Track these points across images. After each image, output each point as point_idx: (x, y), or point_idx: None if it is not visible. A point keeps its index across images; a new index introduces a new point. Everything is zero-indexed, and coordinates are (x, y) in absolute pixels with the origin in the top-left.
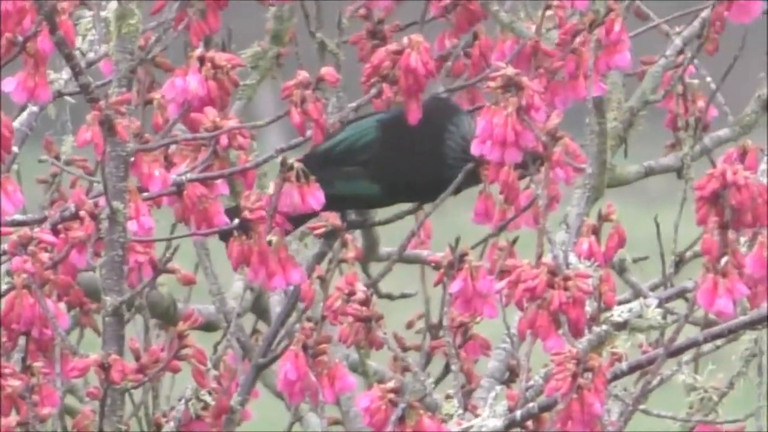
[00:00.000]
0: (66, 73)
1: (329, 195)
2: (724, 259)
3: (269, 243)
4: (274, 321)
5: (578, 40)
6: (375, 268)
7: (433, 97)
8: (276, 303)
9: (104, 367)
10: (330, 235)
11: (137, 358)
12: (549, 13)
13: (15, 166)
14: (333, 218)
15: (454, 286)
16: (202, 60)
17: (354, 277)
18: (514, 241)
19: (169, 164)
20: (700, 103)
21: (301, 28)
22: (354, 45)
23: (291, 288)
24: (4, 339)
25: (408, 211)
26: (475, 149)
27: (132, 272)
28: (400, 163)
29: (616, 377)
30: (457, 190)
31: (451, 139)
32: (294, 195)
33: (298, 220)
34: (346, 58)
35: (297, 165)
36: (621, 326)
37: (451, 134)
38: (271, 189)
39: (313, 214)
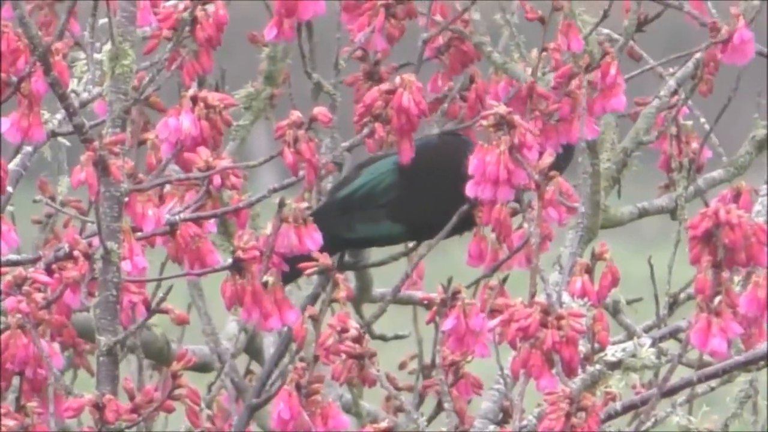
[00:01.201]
0: (60, 114)
1: (351, 239)
2: (717, 299)
3: (265, 284)
4: (268, 361)
5: (574, 83)
6: (368, 309)
7: (446, 133)
8: (270, 344)
9: (98, 407)
10: (323, 275)
11: (131, 398)
12: (544, 54)
13: (10, 207)
14: (324, 258)
15: (447, 324)
16: (195, 100)
17: (346, 317)
18: (504, 279)
19: (162, 203)
20: (694, 144)
21: (294, 68)
22: (350, 86)
23: (284, 329)
24: None
25: (402, 253)
26: (470, 191)
27: (125, 312)
28: (422, 203)
29: (609, 417)
30: (454, 233)
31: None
32: (291, 236)
33: (295, 261)
34: (342, 99)
35: (294, 206)
36: (615, 366)
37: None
38: (268, 229)
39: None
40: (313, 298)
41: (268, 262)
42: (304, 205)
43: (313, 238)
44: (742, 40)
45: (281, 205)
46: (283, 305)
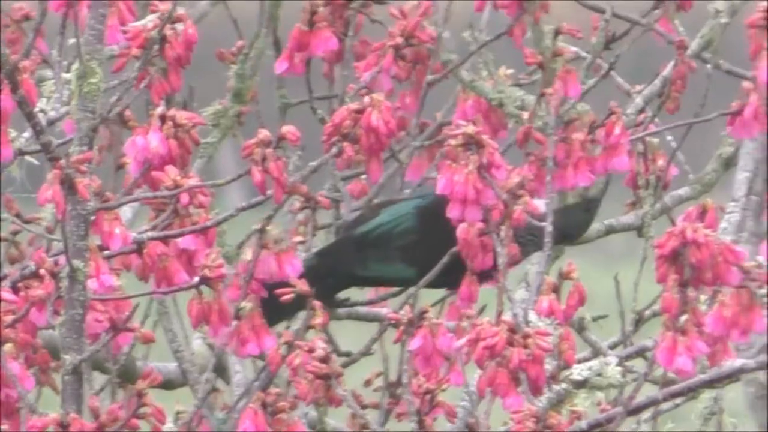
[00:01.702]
0: (28, 132)
1: (363, 277)
2: (683, 318)
3: (243, 309)
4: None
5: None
6: (334, 326)
7: None
8: (235, 362)
9: (63, 426)
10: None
11: (96, 417)
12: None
13: None
14: (301, 284)
15: (414, 344)
16: (163, 118)
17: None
18: (482, 311)
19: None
20: (661, 162)
21: (262, 86)
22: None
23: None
24: None
25: (393, 294)
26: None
27: (91, 330)
28: (438, 251)
29: None
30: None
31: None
32: (271, 262)
33: (274, 287)
34: (310, 117)
35: (274, 232)
36: (580, 384)
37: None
38: (248, 255)
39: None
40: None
41: (247, 288)
42: (298, 239)
43: (293, 265)
44: (754, 114)
45: (261, 231)
46: (260, 331)
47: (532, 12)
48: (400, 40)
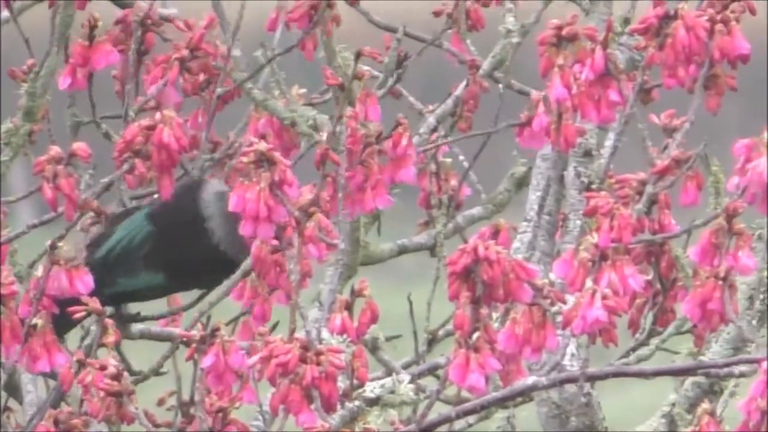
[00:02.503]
0: None
1: (116, 294)
2: (476, 335)
3: (34, 327)
4: (40, 408)
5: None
6: (127, 345)
7: (185, 181)
8: (27, 381)
9: None
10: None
11: None
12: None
13: None
14: (93, 302)
15: (206, 361)
16: None
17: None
18: (273, 327)
19: None
20: (453, 182)
21: (53, 104)
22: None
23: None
24: None
25: (183, 308)
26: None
27: None
28: (175, 249)
29: None
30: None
31: (212, 217)
32: (62, 278)
33: (65, 303)
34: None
35: (66, 248)
36: (373, 402)
37: (209, 210)
38: (39, 272)
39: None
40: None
41: (38, 304)
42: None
43: (84, 281)
44: (541, 126)
45: (53, 247)
46: (52, 348)
47: (323, 26)
48: (185, 52)
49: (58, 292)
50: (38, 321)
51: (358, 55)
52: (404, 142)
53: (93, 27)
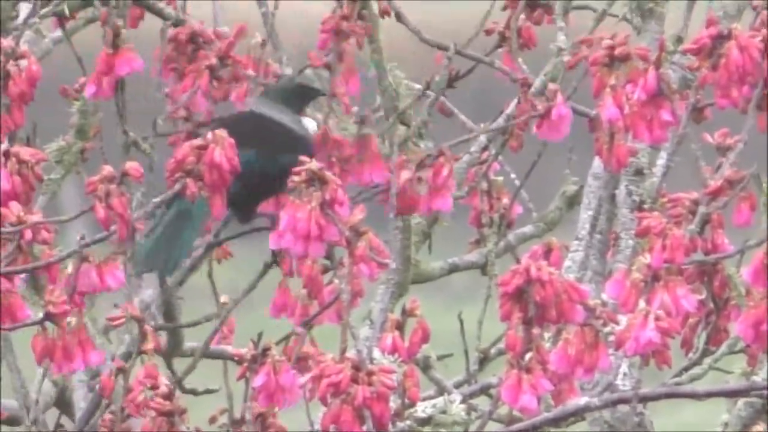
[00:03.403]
0: None
1: None
2: (528, 355)
3: (69, 324)
4: (79, 419)
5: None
6: (179, 363)
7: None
8: (80, 398)
9: None
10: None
11: None
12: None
13: None
14: (133, 310)
15: (257, 381)
16: (6, 155)
17: (154, 369)
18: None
19: None
20: (505, 200)
21: (105, 122)
22: (171, 146)
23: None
24: None
25: (216, 314)
26: (273, 243)
27: None
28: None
29: None
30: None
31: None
32: (92, 275)
33: None
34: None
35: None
36: (425, 422)
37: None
38: (69, 269)
39: None
40: (126, 356)
41: (70, 301)
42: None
43: (115, 276)
44: (560, 116)
45: (81, 244)
46: (86, 346)
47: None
48: (214, 60)
49: (89, 289)
50: (72, 319)
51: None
52: (445, 172)
53: (116, 34)
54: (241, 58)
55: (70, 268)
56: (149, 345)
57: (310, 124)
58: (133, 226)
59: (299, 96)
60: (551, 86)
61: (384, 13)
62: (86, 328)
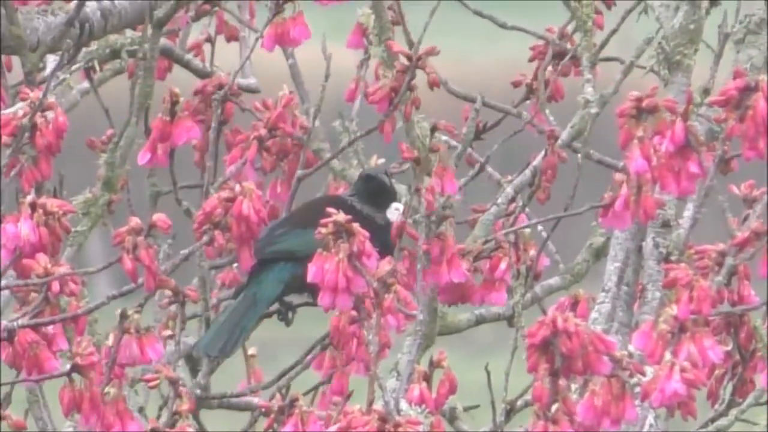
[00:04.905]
0: None
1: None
2: (554, 407)
3: (107, 394)
4: None
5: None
6: (206, 414)
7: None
8: None
9: None
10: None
11: None
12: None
13: None
14: (167, 371)
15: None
16: (33, 206)
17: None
18: (348, 397)
19: None
20: (532, 252)
21: (132, 174)
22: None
23: None
24: None
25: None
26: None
27: None
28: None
29: None
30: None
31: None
32: (133, 347)
33: None
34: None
35: (136, 317)
36: None
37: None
38: (110, 341)
39: None
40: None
41: (110, 373)
42: (167, 333)
43: (155, 349)
44: (626, 207)
45: (123, 316)
46: (125, 416)
47: (402, 107)
48: (263, 131)
49: (130, 361)
50: (111, 390)
51: (434, 129)
52: (503, 266)
53: (174, 102)
54: (290, 129)
55: (110, 340)
56: (184, 406)
57: (394, 213)
58: (160, 277)
59: (376, 191)
60: (617, 176)
61: (432, 85)
62: (125, 400)
